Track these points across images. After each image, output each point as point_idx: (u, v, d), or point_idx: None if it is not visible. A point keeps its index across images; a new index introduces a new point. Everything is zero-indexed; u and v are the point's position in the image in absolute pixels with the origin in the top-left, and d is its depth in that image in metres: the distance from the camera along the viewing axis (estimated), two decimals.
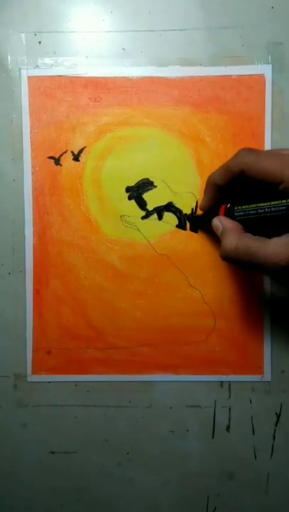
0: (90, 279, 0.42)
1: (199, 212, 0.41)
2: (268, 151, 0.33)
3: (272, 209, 0.32)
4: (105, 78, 0.41)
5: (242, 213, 0.35)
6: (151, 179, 0.42)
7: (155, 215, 0.42)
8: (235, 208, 0.35)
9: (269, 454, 0.43)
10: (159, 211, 0.42)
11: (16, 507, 0.44)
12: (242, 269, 0.41)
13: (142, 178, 0.42)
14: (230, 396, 0.43)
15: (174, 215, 0.42)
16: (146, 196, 0.42)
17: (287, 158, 0.31)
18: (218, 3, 0.41)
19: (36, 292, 0.42)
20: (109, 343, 0.42)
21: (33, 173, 0.42)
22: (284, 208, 0.32)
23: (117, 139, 0.42)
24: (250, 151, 0.33)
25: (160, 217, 0.42)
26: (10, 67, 0.41)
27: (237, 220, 0.35)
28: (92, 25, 0.41)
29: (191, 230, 0.42)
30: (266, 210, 0.33)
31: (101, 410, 0.43)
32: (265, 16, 0.41)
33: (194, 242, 0.42)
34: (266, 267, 0.30)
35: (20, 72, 0.41)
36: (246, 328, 0.42)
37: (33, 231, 0.42)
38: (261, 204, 0.33)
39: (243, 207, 0.35)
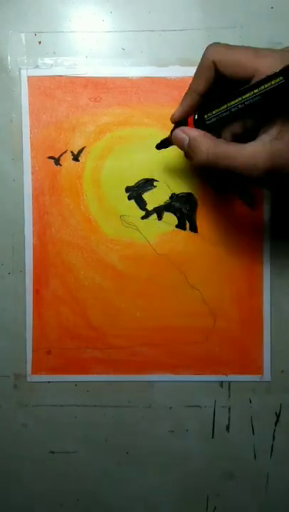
0: (89, 279, 0.42)
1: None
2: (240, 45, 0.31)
3: (246, 103, 0.30)
4: (105, 78, 0.41)
5: (214, 119, 0.32)
6: (151, 179, 0.42)
7: (155, 215, 0.42)
8: (206, 116, 0.33)
9: (269, 453, 0.43)
10: (159, 211, 0.42)
11: (16, 507, 0.44)
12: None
13: (141, 178, 0.42)
14: (230, 396, 0.43)
15: (173, 215, 0.42)
16: (146, 196, 0.42)
17: (259, 50, 0.30)
18: (218, 3, 0.41)
19: (36, 292, 0.42)
20: (109, 343, 0.42)
21: (32, 173, 0.42)
22: (259, 97, 0.29)
23: (117, 139, 0.42)
24: (219, 43, 0.32)
25: (160, 217, 0.42)
26: (10, 67, 0.41)
27: (208, 130, 0.32)
28: (92, 25, 0.41)
29: (191, 230, 0.42)
30: (239, 106, 0.30)
31: (101, 410, 0.43)
32: (265, 16, 0.41)
33: (194, 242, 0.42)
34: (245, 170, 0.29)
35: (20, 72, 0.41)
36: (246, 328, 0.42)
37: (33, 231, 0.42)
38: (233, 102, 0.31)
39: (214, 111, 0.32)
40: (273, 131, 0.29)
